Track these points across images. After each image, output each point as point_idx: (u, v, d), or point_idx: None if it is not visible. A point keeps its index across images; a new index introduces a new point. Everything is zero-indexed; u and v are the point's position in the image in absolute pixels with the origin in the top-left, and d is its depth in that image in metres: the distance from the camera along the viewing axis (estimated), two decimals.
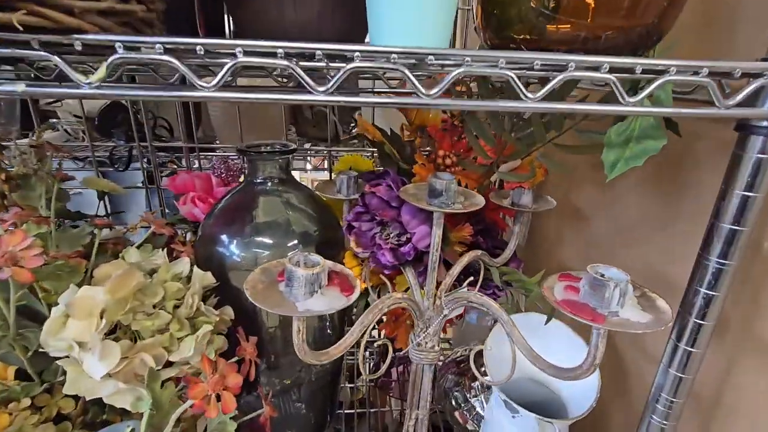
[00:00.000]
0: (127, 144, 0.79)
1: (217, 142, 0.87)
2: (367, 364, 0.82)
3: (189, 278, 0.40)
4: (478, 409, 0.54)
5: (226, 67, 0.21)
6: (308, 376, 0.51)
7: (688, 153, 0.40)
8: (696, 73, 0.24)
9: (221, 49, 0.22)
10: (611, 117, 0.33)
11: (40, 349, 0.34)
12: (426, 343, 0.38)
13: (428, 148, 0.53)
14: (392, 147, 0.51)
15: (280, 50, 0.22)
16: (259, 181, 0.47)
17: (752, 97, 0.25)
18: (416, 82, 0.22)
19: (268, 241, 0.45)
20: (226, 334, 0.41)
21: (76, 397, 0.37)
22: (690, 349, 0.33)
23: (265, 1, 0.30)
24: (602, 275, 0.27)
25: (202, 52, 0.21)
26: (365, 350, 0.83)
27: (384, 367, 0.38)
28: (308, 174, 1.43)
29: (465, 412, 0.55)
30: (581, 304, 0.28)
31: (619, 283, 0.27)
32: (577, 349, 0.47)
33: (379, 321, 0.55)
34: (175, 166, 0.86)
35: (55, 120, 0.87)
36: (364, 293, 0.50)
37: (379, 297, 0.46)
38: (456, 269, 0.39)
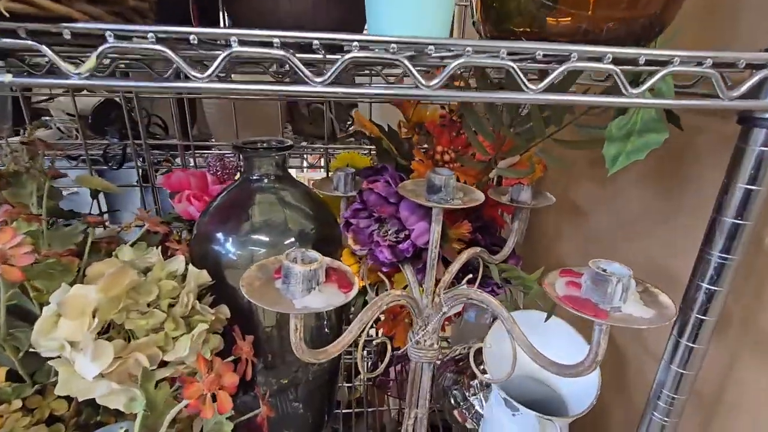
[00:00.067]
0: (120, 142, 0.78)
1: (213, 140, 0.86)
2: (365, 363, 0.81)
3: (184, 277, 0.40)
4: (478, 407, 0.54)
5: (220, 57, 0.21)
6: (306, 375, 0.50)
7: (689, 147, 0.40)
8: (700, 64, 0.24)
9: (215, 38, 0.21)
10: (611, 112, 0.33)
11: (31, 350, 0.33)
12: (425, 341, 0.38)
13: (425, 146, 0.53)
14: (390, 143, 0.51)
15: (276, 40, 0.21)
16: (255, 178, 0.46)
17: (756, 88, 0.25)
18: (415, 73, 0.22)
19: (264, 239, 0.44)
20: (222, 333, 0.41)
21: (69, 399, 0.36)
22: (692, 345, 0.33)
23: None
24: (604, 270, 0.27)
25: (196, 42, 0.21)
26: (363, 349, 0.83)
27: (382, 366, 0.38)
28: (305, 173, 1.42)
29: (464, 411, 0.55)
30: (583, 300, 0.28)
31: (621, 278, 0.26)
32: (576, 347, 0.47)
33: (377, 320, 0.55)
34: (171, 165, 0.85)
35: (47, 118, 0.86)
36: (362, 291, 0.49)
37: (377, 295, 0.45)
38: (455, 266, 0.39)
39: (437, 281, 0.37)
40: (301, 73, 0.21)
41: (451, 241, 0.45)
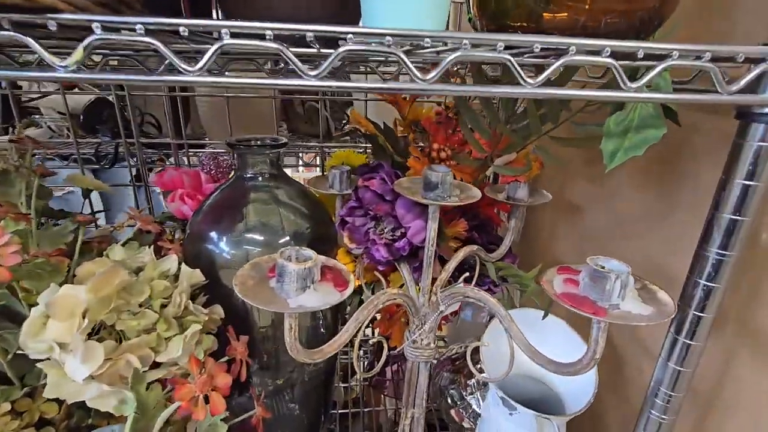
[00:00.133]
0: (112, 140, 0.77)
1: (207, 138, 0.85)
2: (362, 363, 0.81)
3: (177, 276, 0.39)
4: (474, 406, 0.53)
5: (211, 49, 0.20)
6: (301, 375, 0.50)
7: (686, 145, 0.40)
8: (698, 58, 0.24)
9: (206, 30, 0.20)
10: (608, 109, 0.32)
11: (20, 352, 0.32)
12: (422, 340, 0.37)
13: (421, 144, 0.53)
14: (386, 140, 0.50)
15: (268, 32, 0.21)
16: (249, 176, 0.46)
17: (754, 82, 0.25)
18: (412, 66, 0.21)
19: (258, 238, 0.44)
20: (217, 333, 0.40)
21: (59, 401, 0.36)
22: (689, 342, 0.33)
23: None
24: (602, 267, 0.27)
25: (186, 33, 0.20)
26: (359, 349, 0.82)
27: (379, 366, 0.38)
28: (301, 173, 1.42)
29: (461, 410, 0.54)
30: (581, 297, 0.27)
31: (620, 275, 0.26)
32: (573, 344, 0.47)
33: (373, 319, 0.54)
34: (164, 164, 0.84)
35: (38, 116, 0.85)
36: (358, 290, 0.49)
37: (373, 294, 0.45)
38: (452, 264, 0.39)
39: (434, 280, 0.37)
40: (294, 66, 0.21)
41: (447, 240, 0.44)
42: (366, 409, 0.69)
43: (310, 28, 0.21)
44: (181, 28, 0.20)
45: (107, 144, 0.77)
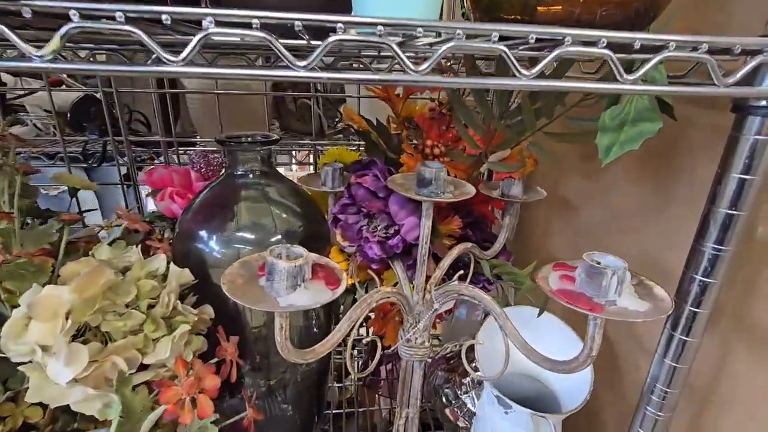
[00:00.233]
0: (100, 138, 0.75)
1: (198, 136, 0.84)
2: (355, 363, 0.80)
3: (165, 276, 0.38)
4: (469, 405, 0.53)
5: (195, 39, 0.19)
6: (294, 376, 0.49)
7: (681, 139, 0.40)
8: (695, 49, 0.23)
9: (190, 17, 0.20)
10: (602, 105, 0.32)
11: (2, 355, 0.31)
12: (416, 339, 0.37)
13: (415, 141, 0.52)
14: (379, 136, 0.50)
15: (255, 21, 0.20)
16: (239, 173, 0.45)
17: (750, 75, 0.25)
18: (404, 57, 0.21)
19: (249, 236, 0.43)
20: (207, 334, 0.39)
21: (44, 405, 0.34)
22: (685, 338, 0.32)
23: None
24: (598, 263, 0.26)
25: (169, 22, 0.19)
26: (353, 348, 0.82)
27: (372, 365, 0.37)
28: (294, 171, 1.41)
29: (456, 409, 0.54)
30: (577, 294, 0.27)
31: (616, 271, 0.26)
32: (568, 342, 0.47)
33: (367, 318, 0.54)
34: (154, 162, 0.82)
35: (23, 114, 0.83)
36: (352, 289, 0.48)
37: (366, 293, 0.44)
38: (446, 262, 0.38)
39: (428, 278, 0.37)
40: (282, 57, 0.20)
41: (441, 237, 0.44)
42: (360, 409, 0.68)
43: (298, 17, 0.20)
44: (163, 16, 0.19)
45: (95, 142, 0.75)
